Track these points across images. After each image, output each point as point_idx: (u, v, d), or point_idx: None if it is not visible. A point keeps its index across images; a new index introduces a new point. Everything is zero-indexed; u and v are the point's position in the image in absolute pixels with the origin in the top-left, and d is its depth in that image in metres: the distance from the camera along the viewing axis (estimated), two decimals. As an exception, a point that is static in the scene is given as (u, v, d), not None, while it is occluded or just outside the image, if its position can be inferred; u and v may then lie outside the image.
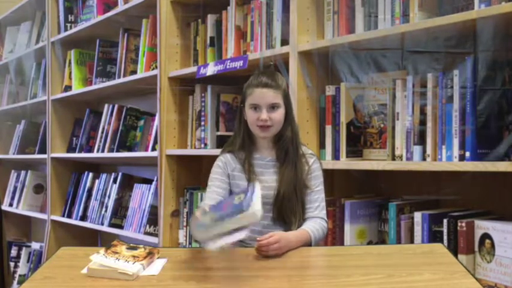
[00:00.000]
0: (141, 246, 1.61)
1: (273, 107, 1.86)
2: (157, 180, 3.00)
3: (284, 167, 1.88)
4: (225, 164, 1.94)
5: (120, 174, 3.44)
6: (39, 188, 4.51)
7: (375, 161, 2.09)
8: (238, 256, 1.68)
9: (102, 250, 1.53)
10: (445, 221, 1.87)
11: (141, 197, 3.20)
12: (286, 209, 1.86)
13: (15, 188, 4.67)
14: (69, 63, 3.91)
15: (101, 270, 1.43)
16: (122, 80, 3.27)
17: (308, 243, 1.81)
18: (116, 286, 1.39)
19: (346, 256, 1.72)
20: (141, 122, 3.38)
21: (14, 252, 4.48)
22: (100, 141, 3.52)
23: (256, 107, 1.87)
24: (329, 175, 2.29)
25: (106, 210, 3.44)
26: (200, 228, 1.28)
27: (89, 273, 1.43)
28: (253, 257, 1.65)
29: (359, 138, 2.23)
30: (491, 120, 1.81)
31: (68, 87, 3.91)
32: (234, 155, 1.95)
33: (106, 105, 3.54)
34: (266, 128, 1.87)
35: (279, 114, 1.88)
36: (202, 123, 2.81)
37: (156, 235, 3.01)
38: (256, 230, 1.82)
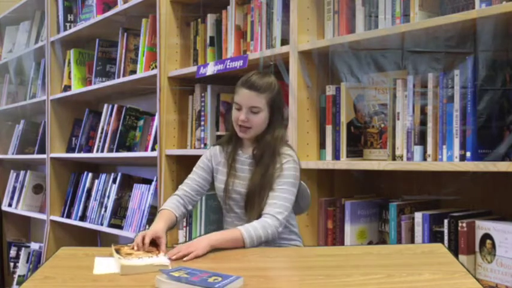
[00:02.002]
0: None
1: (253, 110, 1.88)
2: (156, 181, 3.00)
3: (257, 167, 1.91)
4: (211, 157, 2.03)
5: (119, 174, 3.43)
6: (38, 188, 4.50)
7: (375, 161, 2.08)
8: (238, 256, 1.68)
9: (116, 254, 1.59)
10: (445, 221, 1.87)
11: (140, 197, 3.20)
12: (252, 207, 1.88)
13: (14, 188, 4.67)
14: (69, 63, 3.91)
15: (134, 267, 1.49)
16: (122, 79, 3.27)
17: (239, 240, 1.75)
18: (116, 286, 1.39)
19: (346, 256, 1.72)
20: (141, 122, 3.38)
21: (13, 252, 4.47)
22: (99, 141, 3.52)
23: (238, 107, 1.91)
24: (329, 175, 2.30)
25: (105, 211, 3.43)
26: (172, 279, 1.30)
27: (123, 272, 1.46)
28: (253, 257, 1.65)
29: (359, 138, 2.22)
30: (492, 120, 1.81)
31: (68, 87, 3.90)
32: (223, 148, 2.02)
33: (105, 105, 3.54)
34: (244, 129, 1.91)
35: (259, 118, 1.89)
36: (202, 123, 2.81)
37: (155, 235, 3.00)
38: (239, 223, 1.87)
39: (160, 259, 1.58)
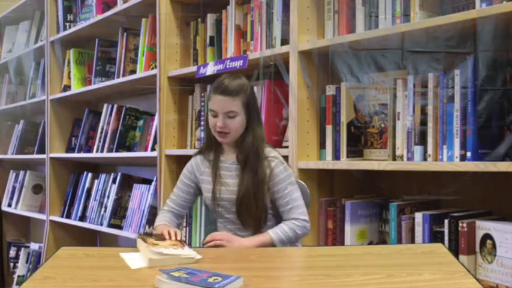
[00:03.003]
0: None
1: (230, 115, 1.88)
2: (156, 181, 3.00)
3: (244, 171, 1.91)
4: (193, 168, 2.04)
5: (119, 174, 3.43)
6: (38, 188, 4.50)
7: (375, 161, 2.08)
8: (238, 256, 1.68)
9: (143, 243, 1.60)
10: (446, 221, 1.87)
11: (140, 197, 3.20)
12: (245, 213, 1.90)
13: (14, 188, 4.66)
14: (68, 62, 3.91)
15: (162, 260, 1.51)
16: (121, 79, 3.26)
17: (269, 243, 1.84)
18: (116, 286, 1.38)
19: (346, 256, 1.72)
20: (141, 122, 3.38)
21: (12, 252, 4.46)
22: (99, 141, 3.51)
23: (214, 114, 1.90)
24: (329, 175, 2.30)
25: (105, 211, 3.43)
26: (172, 279, 1.30)
27: (150, 265, 1.49)
28: (253, 257, 1.65)
29: (359, 138, 2.22)
30: (492, 120, 1.80)
31: (67, 87, 3.90)
32: (204, 157, 2.01)
33: (105, 105, 3.54)
34: (223, 135, 1.91)
35: (236, 122, 1.89)
36: (202, 123, 2.80)
37: (155, 235, 3.00)
38: (231, 227, 1.94)
39: (187, 251, 1.59)
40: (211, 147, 1.99)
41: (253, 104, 1.94)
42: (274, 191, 1.90)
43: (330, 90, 2.23)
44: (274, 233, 1.85)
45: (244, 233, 1.91)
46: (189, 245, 2.82)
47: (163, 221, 1.99)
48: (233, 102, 1.88)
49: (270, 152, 1.95)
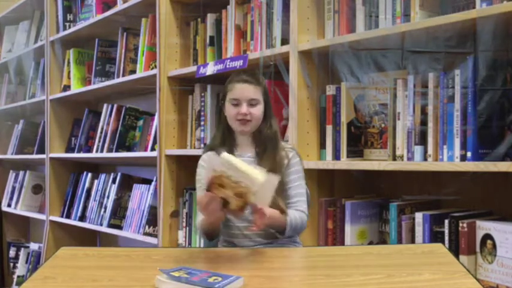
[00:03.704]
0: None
1: (252, 103, 1.88)
2: (156, 181, 2.99)
3: (263, 162, 1.87)
4: (208, 164, 1.92)
5: (119, 174, 3.43)
6: (37, 189, 4.50)
7: (375, 161, 2.08)
8: (238, 256, 1.68)
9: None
10: (446, 221, 1.87)
11: (140, 197, 3.20)
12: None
13: (13, 188, 4.66)
14: (68, 62, 3.91)
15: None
16: (121, 79, 3.26)
17: (282, 225, 1.78)
18: (116, 286, 1.38)
19: (346, 256, 1.72)
20: (140, 122, 3.38)
21: (12, 253, 4.46)
22: (99, 141, 3.51)
23: (236, 102, 1.89)
24: (329, 175, 2.29)
25: (105, 211, 3.43)
26: (172, 279, 1.30)
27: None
28: (253, 257, 1.65)
29: (360, 138, 2.22)
30: (492, 120, 1.80)
31: (67, 87, 3.90)
32: (216, 152, 1.94)
33: (105, 105, 3.54)
34: (245, 122, 1.89)
35: (258, 110, 1.89)
36: (202, 123, 2.80)
37: (155, 236, 3.00)
38: (241, 225, 1.85)
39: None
40: (225, 142, 1.95)
41: (269, 96, 1.95)
42: (286, 181, 1.89)
43: (330, 90, 2.23)
44: (289, 215, 1.81)
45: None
46: (189, 245, 2.82)
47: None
48: (255, 90, 1.88)
49: (287, 144, 1.96)
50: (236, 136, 1.94)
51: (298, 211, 1.86)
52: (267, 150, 1.89)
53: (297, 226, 1.83)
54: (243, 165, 1.56)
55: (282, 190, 1.85)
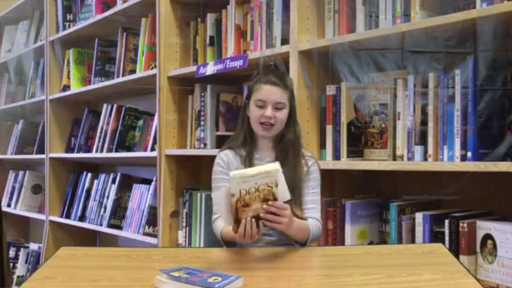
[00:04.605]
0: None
1: (278, 106, 1.85)
2: (156, 181, 2.99)
3: (283, 169, 1.86)
4: (226, 163, 1.90)
5: (119, 174, 3.43)
6: (37, 189, 4.50)
7: (375, 161, 2.08)
8: (238, 256, 1.68)
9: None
10: (446, 221, 1.86)
11: (140, 197, 3.19)
12: None
13: (13, 188, 4.66)
14: (68, 62, 3.90)
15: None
16: (121, 79, 3.26)
17: (306, 236, 1.77)
18: (116, 286, 1.38)
19: (346, 256, 1.72)
20: (140, 122, 3.37)
21: (12, 253, 4.46)
22: (99, 141, 3.51)
23: (261, 104, 1.85)
24: (330, 175, 2.29)
25: (105, 211, 3.43)
26: (172, 279, 1.30)
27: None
28: (254, 257, 1.65)
29: (360, 138, 2.22)
30: (492, 120, 1.80)
31: (67, 87, 3.90)
32: (235, 152, 1.92)
33: (105, 105, 3.54)
34: (268, 127, 1.85)
35: (283, 114, 1.86)
36: (202, 123, 2.80)
37: (155, 236, 3.00)
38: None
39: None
40: (246, 143, 1.91)
41: (295, 101, 1.93)
42: (302, 187, 1.87)
43: (330, 90, 2.23)
44: (311, 226, 1.80)
45: (273, 232, 1.83)
46: (189, 245, 2.82)
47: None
48: (282, 94, 1.86)
49: (306, 152, 1.94)
50: (257, 138, 1.91)
51: (314, 219, 1.85)
52: (288, 156, 1.86)
53: (315, 237, 1.83)
54: (253, 168, 1.58)
55: (298, 196, 1.84)
